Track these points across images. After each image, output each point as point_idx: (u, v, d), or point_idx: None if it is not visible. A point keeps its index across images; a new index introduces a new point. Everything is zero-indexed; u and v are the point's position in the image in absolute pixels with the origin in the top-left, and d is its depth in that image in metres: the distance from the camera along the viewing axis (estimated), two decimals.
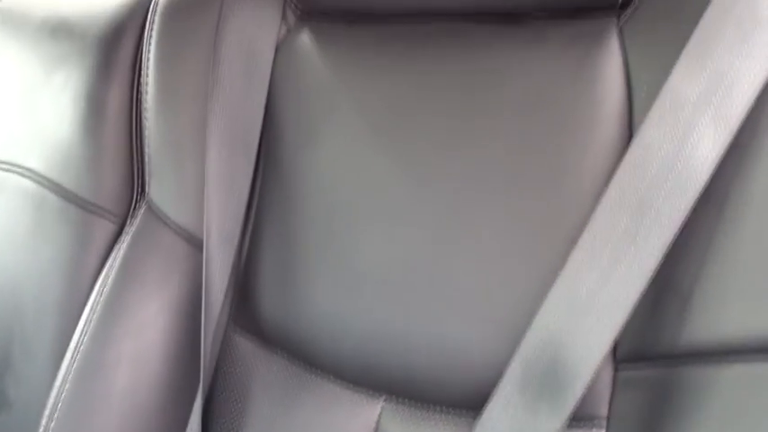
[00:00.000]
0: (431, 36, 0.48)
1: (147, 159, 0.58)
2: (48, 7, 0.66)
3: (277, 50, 0.54)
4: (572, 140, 0.41)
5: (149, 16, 0.58)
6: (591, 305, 0.37)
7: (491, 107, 0.44)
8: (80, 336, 0.57)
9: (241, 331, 0.55)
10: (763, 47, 0.34)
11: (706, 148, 0.35)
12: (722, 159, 0.35)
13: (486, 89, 0.45)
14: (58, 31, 0.63)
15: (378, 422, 0.47)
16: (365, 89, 0.49)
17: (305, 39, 0.53)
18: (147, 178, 0.59)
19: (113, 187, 0.60)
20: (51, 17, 0.65)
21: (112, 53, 0.59)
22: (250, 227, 0.56)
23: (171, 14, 0.57)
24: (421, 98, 0.47)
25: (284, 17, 0.54)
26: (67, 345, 0.57)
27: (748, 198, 0.35)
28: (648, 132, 0.37)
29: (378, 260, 0.47)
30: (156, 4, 0.58)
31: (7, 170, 0.66)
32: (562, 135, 0.42)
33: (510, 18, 0.45)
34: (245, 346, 0.55)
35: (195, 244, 0.57)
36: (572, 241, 0.39)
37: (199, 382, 0.51)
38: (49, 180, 0.62)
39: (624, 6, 0.41)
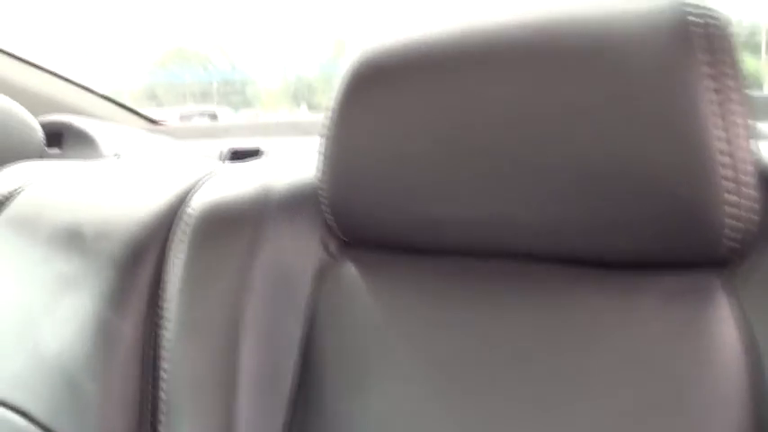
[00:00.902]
0: (497, 276, 0.43)
1: (161, 404, 0.50)
2: (60, 216, 0.61)
3: (317, 281, 0.48)
4: (683, 421, 0.35)
5: (170, 239, 0.53)
6: None
7: (576, 368, 0.38)
8: None
9: None
10: None
11: None
12: None
13: (570, 346, 0.39)
14: (70, 247, 0.57)
15: None
16: (421, 331, 0.43)
17: (350, 270, 0.48)
18: (159, 426, 0.51)
19: None
20: (63, 229, 0.59)
21: (129, 279, 0.53)
22: None
23: (198, 239, 0.51)
24: (487, 349, 0.41)
25: (325, 245, 0.49)
26: None
27: None
28: None
29: None
30: (177, 226, 0.53)
31: (11, 412, 0.57)
32: (669, 414, 0.35)
33: (591, 264, 0.40)
34: None
35: None
36: None
37: None
38: (43, 426, 0.54)
39: (733, 261, 0.37)
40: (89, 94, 1.13)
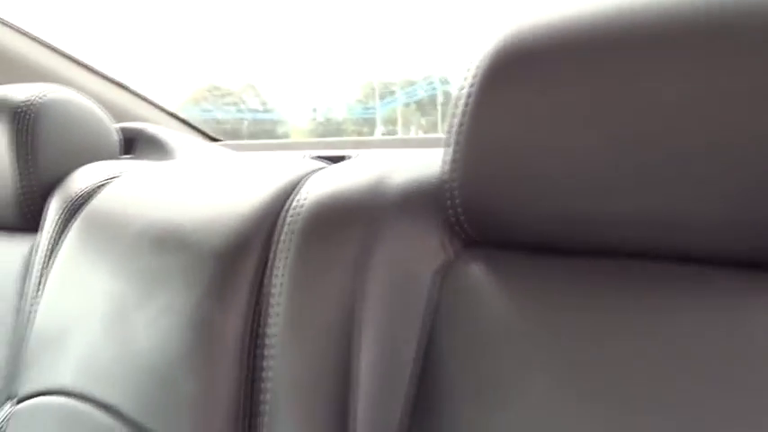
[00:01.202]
0: (662, 279, 0.38)
1: (262, 405, 0.47)
2: (150, 211, 0.59)
3: (437, 282, 0.45)
4: None
5: (276, 232, 0.50)
6: None
7: (763, 378, 0.34)
8: None
9: None
10: None
11: None
12: None
13: (755, 355, 0.35)
14: (163, 241, 0.55)
15: None
16: (571, 339, 0.39)
17: (475, 270, 0.44)
18: (259, 429, 0.47)
19: None
20: (155, 223, 0.57)
21: (232, 271, 0.50)
22: None
23: (308, 233, 0.48)
24: (651, 357, 0.37)
25: (447, 243, 0.46)
26: None
27: None
28: None
29: None
30: (284, 218, 0.50)
31: (84, 404, 0.54)
32: None
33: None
34: None
35: None
36: None
37: None
38: (133, 423, 0.50)
39: None
40: (155, 108, 1.13)
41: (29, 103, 0.73)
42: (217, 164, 0.63)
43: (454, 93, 0.44)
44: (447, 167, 0.44)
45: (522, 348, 0.40)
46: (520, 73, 0.41)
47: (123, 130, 0.88)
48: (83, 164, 0.75)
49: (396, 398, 0.44)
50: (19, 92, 0.75)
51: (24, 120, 0.72)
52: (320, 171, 0.54)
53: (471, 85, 0.43)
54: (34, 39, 0.99)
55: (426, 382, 0.44)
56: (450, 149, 0.44)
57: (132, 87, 1.10)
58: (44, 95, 0.74)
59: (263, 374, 0.47)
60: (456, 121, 0.43)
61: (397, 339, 0.45)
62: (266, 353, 0.48)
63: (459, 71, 0.45)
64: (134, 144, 0.88)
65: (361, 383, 0.44)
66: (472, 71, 0.43)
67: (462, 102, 0.43)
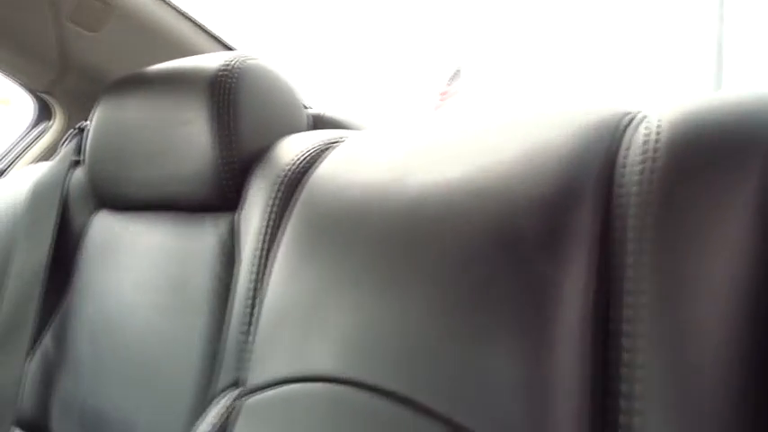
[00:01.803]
0: None
1: (624, 397, 0.35)
2: (417, 170, 0.48)
3: None
4: None
5: (619, 172, 0.39)
6: None
7: None
8: None
9: None
10: None
11: None
12: None
13: None
14: (445, 197, 0.45)
15: None
16: None
17: None
18: (624, 428, 0.35)
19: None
20: (425, 181, 0.47)
21: (565, 220, 0.39)
22: None
23: (678, 170, 0.37)
24: None
25: None
26: None
27: None
28: None
29: None
30: (625, 156, 0.40)
31: (365, 393, 0.43)
32: None
33: None
34: None
35: None
36: None
37: None
38: (437, 415, 0.39)
39: None
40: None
41: (228, 69, 0.65)
42: (477, 115, 0.53)
43: None
44: None
45: None
46: None
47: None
48: (278, 137, 0.66)
49: None
50: (213, 60, 0.68)
51: (225, 87, 0.64)
52: (660, 100, 0.43)
53: None
54: (195, 23, 0.94)
55: None
56: None
57: None
58: (243, 61, 0.67)
59: (623, 355, 0.36)
60: None
61: None
62: (625, 327, 0.36)
63: None
64: (315, 128, 0.80)
65: None
66: None
67: None
